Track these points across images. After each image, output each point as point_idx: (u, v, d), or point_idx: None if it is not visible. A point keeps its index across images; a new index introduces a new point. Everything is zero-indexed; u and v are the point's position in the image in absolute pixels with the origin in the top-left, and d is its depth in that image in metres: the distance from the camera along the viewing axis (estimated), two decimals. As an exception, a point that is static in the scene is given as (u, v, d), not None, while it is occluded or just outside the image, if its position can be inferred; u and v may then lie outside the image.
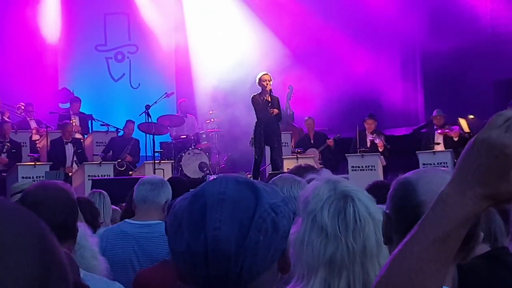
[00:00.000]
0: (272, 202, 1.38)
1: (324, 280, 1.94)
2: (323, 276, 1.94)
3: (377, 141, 13.55)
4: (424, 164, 12.50)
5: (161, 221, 4.19)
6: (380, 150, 13.38)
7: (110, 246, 4.23)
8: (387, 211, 1.84)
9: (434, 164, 12.31)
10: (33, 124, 14.74)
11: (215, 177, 1.99)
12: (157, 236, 4.07)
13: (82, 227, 3.06)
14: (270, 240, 1.34)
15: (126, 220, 4.41)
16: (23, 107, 14.66)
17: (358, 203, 2.01)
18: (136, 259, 4.15)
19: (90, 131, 15.36)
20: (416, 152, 13.05)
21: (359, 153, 13.12)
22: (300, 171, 4.30)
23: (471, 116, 13.90)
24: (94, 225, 4.61)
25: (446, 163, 12.46)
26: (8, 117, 14.42)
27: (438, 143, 13.38)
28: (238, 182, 1.40)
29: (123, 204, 6.64)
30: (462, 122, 13.58)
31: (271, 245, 1.35)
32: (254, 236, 1.32)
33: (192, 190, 1.46)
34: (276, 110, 11.67)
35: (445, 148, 13.14)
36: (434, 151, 13.06)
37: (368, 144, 13.61)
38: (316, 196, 2.03)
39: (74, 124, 14.16)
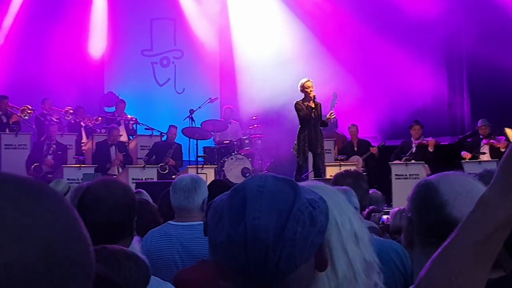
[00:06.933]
0: (309, 198, 1.41)
1: None
2: None
3: (429, 138, 13.53)
4: (469, 173, 12.31)
5: (202, 222, 4.21)
6: (431, 150, 13.35)
7: (154, 247, 4.27)
8: (409, 215, 1.83)
9: (479, 173, 12.13)
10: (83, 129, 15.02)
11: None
12: (200, 236, 4.08)
13: None
14: (307, 232, 1.36)
15: (169, 222, 4.44)
16: (71, 111, 14.92)
17: None
18: (180, 260, 4.18)
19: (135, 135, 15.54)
20: (461, 161, 12.90)
21: (403, 161, 13.04)
22: (347, 176, 4.28)
23: (518, 126, 13.67)
24: (155, 222, 4.64)
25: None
26: (56, 119, 14.71)
27: (484, 153, 13.20)
28: (277, 178, 1.44)
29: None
30: (509, 131, 13.37)
31: (308, 237, 1.36)
32: (292, 227, 1.34)
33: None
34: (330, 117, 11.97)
35: (491, 157, 12.95)
36: (480, 161, 12.89)
37: (414, 150, 13.52)
38: None
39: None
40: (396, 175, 12.81)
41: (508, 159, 1.24)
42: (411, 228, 1.81)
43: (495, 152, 13.02)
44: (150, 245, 4.26)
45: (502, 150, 12.94)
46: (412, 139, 13.79)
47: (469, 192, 1.73)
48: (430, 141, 13.61)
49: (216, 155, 14.11)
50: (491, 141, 13.21)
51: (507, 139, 13.21)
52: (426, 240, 1.76)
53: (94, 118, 15.17)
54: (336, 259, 1.90)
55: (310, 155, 12.14)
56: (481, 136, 13.52)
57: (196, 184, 4.32)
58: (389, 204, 10.77)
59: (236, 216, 1.36)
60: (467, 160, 13.10)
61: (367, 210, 5.54)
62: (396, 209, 5.58)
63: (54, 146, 13.42)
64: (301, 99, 11.87)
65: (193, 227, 4.17)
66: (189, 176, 4.45)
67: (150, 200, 5.57)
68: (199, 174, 12.18)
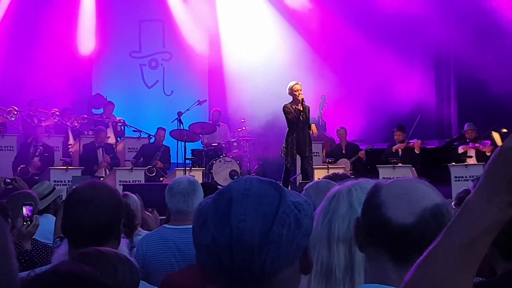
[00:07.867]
0: (295, 201, 1.42)
1: None
2: None
3: (414, 140, 13.60)
4: (456, 177, 12.42)
5: None
6: (417, 151, 13.41)
7: (151, 251, 4.26)
8: (359, 216, 1.85)
9: (466, 177, 12.21)
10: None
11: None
12: None
13: None
14: (292, 235, 1.37)
15: (164, 225, 4.43)
16: (57, 113, 14.85)
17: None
18: (176, 263, 4.18)
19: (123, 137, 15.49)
20: (448, 165, 12.96)
21: (391, 164, 13.08)
22: (335, 179, 4.29)
23: (505, 130, 13.73)
24: (131, 226, 4.62)
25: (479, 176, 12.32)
26: (44, 122, 14.65)
27: (471, 156, 13.28)
28: (262, 181, 1.45)
29: (150, 209, 6.70)
30: (496, 135, 13.44)
31: (293, 240, 1.37)
32: (277, 229, 1.35)
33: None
34: (314, 130, 12.00)
35: (478, 161, 13.02)
36: (466, 164, 12.95)
37: (400, 153, 13.59)
38: None
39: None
40: (383, 178, 12.83)
41: (493, 164, 1.24)
42: (358, 228, 1.82)
43: (481, 156, 13.09)
44: (146, 249, 4.26)
45: (488, 154, 13.00)
46: (396, 143, 13.93)
47: (406, 194, 1.74)
48: (416, 142, 13.69)
49: (204, 158, 14.09)
50: (477, 145, 13.29)
51: (493, 143, 13.28)
52: (366, 240, 1.77)
53: (81, 117, 15.11)
54: (357, 279, 1.91)
55: (298, 158, 12.15)
56: (467, 140, 13.59)
57: (194, 187, 4.31)
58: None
59: (221, 219, 1.36)
60: (467, 151, 13.23)
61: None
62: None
63: (41, 148, 13.35)
64: (290, 102, 11.87)
65: (189, 230, 4.15)
66: (185, 179, 4.42)
67: (138, 203, 5.55)
68: (187, 177, 12.18)
